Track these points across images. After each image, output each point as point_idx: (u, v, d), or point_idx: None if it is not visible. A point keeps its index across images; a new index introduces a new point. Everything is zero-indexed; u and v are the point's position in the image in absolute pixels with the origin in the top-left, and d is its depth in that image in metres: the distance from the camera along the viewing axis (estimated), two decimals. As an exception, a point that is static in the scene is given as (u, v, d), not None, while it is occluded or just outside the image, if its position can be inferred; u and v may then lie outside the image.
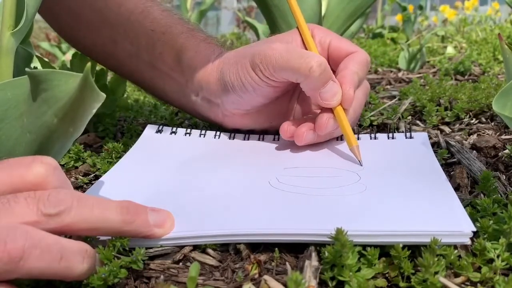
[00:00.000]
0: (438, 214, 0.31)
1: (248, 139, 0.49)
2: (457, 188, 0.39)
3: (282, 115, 0.49)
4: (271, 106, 0.47)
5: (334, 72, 0.44)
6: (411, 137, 0.47)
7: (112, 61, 0.58)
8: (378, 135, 0.48)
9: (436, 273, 0.26)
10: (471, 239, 0.28)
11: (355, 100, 0.43)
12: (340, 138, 0.48)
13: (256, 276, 0.28)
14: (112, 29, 0.54)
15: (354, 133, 0.48)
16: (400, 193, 0.35)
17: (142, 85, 0.59)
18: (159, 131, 0.50)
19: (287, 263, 0.29)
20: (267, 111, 0.48)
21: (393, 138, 0.47)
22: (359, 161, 0.41)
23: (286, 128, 0.45)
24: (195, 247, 0.31)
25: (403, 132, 0.48)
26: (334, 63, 0.46)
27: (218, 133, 0.50)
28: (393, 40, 1.68)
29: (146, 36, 0.52)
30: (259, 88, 0.43)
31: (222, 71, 0.45)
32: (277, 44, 0.43)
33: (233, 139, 0.50)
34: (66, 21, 0.59)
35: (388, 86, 0.87)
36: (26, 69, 0.30)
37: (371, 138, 0.47)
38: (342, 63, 0.44)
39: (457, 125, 0.57)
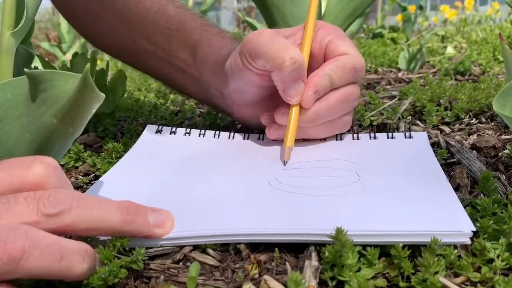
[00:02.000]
0: (438, 214, 0.31)
1: (248, 139, 0.49)
2: (457, 188, 0.39)
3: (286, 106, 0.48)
4: (271, 101, 0.47)
5: None
6: (410, 137, 0.47)
7: (132, 58, 0.61)
8: (377, 134, 0.48)
9: (436, 273, 0.26)
10: (471, 238, 0.28)
11: (324, 102, 0.43)
12: (340, 137, 0.48)
13: (256, 276, 0.28)
14: (131, 27, 0.56)
15: (354, 133, 0.48)
16: (400, 193, 0.35)
17: (162, 81, 0.61)
18: (158, 131, 0.50)
19: (287, 263, 0.29)
20: (270, 104, 0.47)
21: (392, 138, 0.47)
22: (284, 161, 0.42)
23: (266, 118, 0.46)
24: (195, 247, 0.31)
25: (403, 132, 0.48)
26: None
27: (217, 132, 0.50)
28: (393, 40, 1.68)
29: (162, 34, 0.54)
30: (245, 75, 0.44)
31: (227, 62, 0.46)
32: (266, 32, 0.42)
33: (233, 138, 0.50)
34: (86, 22, 0.61)
35: (388, 86, 0.87)
36: (25, 69, 0.30)
37: (370, 138, 0.47)
38: (324, 63, 0.43)
39: (457, 125, 0.57)
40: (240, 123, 0.57)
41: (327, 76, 0.42)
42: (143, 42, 0.56)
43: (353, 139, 0.48)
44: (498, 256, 0.27)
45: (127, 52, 0.59)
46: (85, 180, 0.45)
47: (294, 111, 0.43)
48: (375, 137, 0.47)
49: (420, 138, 0.46)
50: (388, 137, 0.47)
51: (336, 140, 0.48)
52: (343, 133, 0.49)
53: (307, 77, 0.42)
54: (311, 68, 0.44)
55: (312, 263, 0.28)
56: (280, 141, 0.48)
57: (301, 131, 0.45)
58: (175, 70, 0.55)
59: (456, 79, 0.89)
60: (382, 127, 0.57)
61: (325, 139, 0.48)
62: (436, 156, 0.42)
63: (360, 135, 0.48)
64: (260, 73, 0.43)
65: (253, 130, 0.53)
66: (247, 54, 0.42)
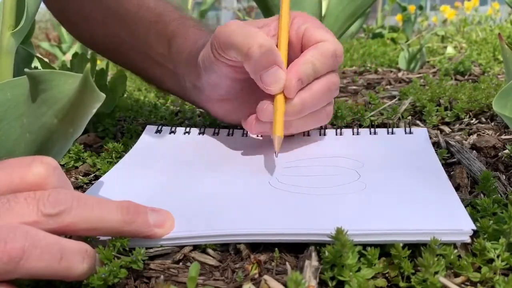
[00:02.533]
0: (438, 213, 0.31)
1: (246, 136, 0.49)
2: (457, 188, 0.39)
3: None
4: (249, 94, 0.46)
5: None
6: (410, 133, 0.47)
7: (115, 53, 0.60)
8: (377, 130, 0.48)
9: (436, 273, 0.26)
10: (471, 238, 0.28)
11: (308, 92, 0.41)
12: (340, 133, 0.48)
13: (256, 276, 0.28)
14: (113, 22, 0.56)
15: (354, 134, 0.48)
16: (400, 191, 0.35)
17: (142, 75, 0.61)
18: (158, 131, 0.51)
19: (287, 263, 0.29)
20: (245, 99, 0.47)
21: (392, 133, 0.47)
22: (275, 152, 0.40)
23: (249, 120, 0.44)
24: (195, 247, 0.31)
25: (403, 128, 0.48)
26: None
27: (217, 130, 0.50)
28: (393, 40, 1.68)
29: (141, 26, 0.53)
30: (218, 68, 0.43)
31: (200, 53, 0.45)
32: (234, 22, 0.42)
33: (232, 135, 0.50)
34: (72, 16, 0.61)
35: (388, 86, 0.87)
36: (25, 69, 0.30)
37: (370, 133, 0.48)
38: (304, 51, 0.42)
39: (457, 125, 0.57)
40: (220, 120, 0.55)
41: (310, 64, 0.41)
42: (123, 36, 0.55)
43: (353, 134, 0.48)
44: (498, 256, 0.27)
45: (111, 46, 0.59)
46: (85, 180, 0.45)
47: (279, 100, 0.41)
48: (375, 133, 0.48)
49: (420, 133, 0.46)
50: (388, 133, 0.47)
51: (336, 135, 0.48)
52: (343, 129, 0.49)
53: (288, 67, 0.41)
54: (289, 59, 0.43)
55: (312, 263, 0.28)
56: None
57: (285, 125, 0.42)
58: (153, 63, 0.55)
59: (456, 79, 0.89)
60: (382, 127, 0.57)
61: (325, 134, 0.48)
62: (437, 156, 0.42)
63: (360, 130, 0.48)
64: (232, 64, 0.42)
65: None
66: (217, 46, 0.41)
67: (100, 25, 0.58)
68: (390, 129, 0.48)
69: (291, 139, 0.46)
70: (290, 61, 0.42)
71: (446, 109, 0.61)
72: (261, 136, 0.49)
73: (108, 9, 0.56)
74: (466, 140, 0.50)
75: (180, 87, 0.53)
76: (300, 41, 0.43)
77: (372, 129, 0.48)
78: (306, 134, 0.48)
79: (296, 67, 0.40)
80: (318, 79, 0.42)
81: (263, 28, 0.44)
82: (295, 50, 0.44)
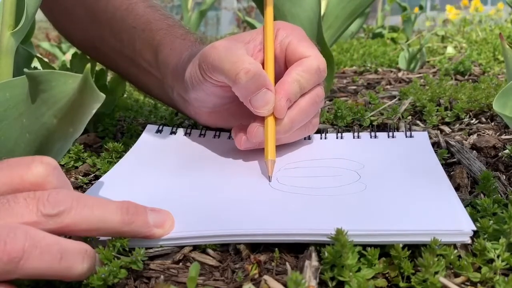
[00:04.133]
0: (438, 213, 0.31)
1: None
2: (457, 188, 0.39)
3: (250, 115, 0.45)
4: (238, 106, 0.45)
5: None
6: (411, 136, 0.47)
7: (100, 56, 0.60)
8: (378, 134, 0.48)
9: (436, 273, 0.26)
10: (471, 238, 0.28)
11: (296, 109, 0.41)
12: (341, 136, 0.48)
13: (256, 276, 0.28)
14: (100, 25, 0.55)
15: (354, 132, 0.48)
16: (400, 192, 0.35)
17: (129, 81, 0.61)
18: (159, 131, 0.50)
19: (287, 263, 0.29)
20: (234, 111, 0.46)
21: (393, 137, 0.47)
22: (269, 176, 0.39)
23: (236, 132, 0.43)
24: (195, 247, 0.31)
25: (403, 131, 0.48)
26: (290, 65, 0.43)
27: (217, 133, 0.50)
28: (393, 40, 1.68)
29: (128, 33, 0.53)
30: (206, 87, 0.42)
31: (186, 69, 0.45)
32: (221, 42, 0.41)
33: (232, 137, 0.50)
34: (60, 16, 0.60)
35: (388, 86, 0.87)
36: (25, 69, 0.30)
37: (371, 137, 0.47)
38: (288, 69, 0.42)
39: (457, 125, 0.57)
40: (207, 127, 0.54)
41: (296, 82, 0.40)
42: (110, 40, 0.55)
43: (354, 138, 0.48)
44: (498, 256, 0.27)
45: (96, 49, 0.59)
46: (85, 180, 0.45)
47: (270, 122, 0.41)
48: (375, 136, 0.47)
49: (421, 137, 0.46)
50: (388, 137, 0.47)
51: (337, 138, 0.48)
52: (344, 132, 0.49)
53: (275, 84, 0.41)
54: (275, 72, 0.43)
55: (312, 263, 0.28)
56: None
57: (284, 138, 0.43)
58: (140, 71, 0.54)
59: (456, 79, 0.89)
60: (382, 127, 0.57)
61: (326, 138, 0.48)
62: (437, 156, 0.42)
63: (360, 134, 0.48)
64: (221, 85, 0.42)
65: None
66: (205, 69, 0.41)
67: (87, 29, 0.58)
68: (390, 133, 0.47)
69: (292, 142, 0.46)
70: (275, 75, 0.42)
71: (446, 109, 0.61)
72: None
73: (95, 15, 0.56)
74: (466, 140, 0.50)
75: (167, 97, 0.53)
76: (284, 54, 0.43)
77: (373, 133, 0.48)
78: (307, 137, 0.48)
79: (283, 87, 0.40)
80: (304, 95, 0.42)
81: (249, 43, 0.44)
82: (280, 63, 0.44)
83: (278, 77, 0.42)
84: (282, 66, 0.43)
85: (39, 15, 0.56)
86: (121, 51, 0.55)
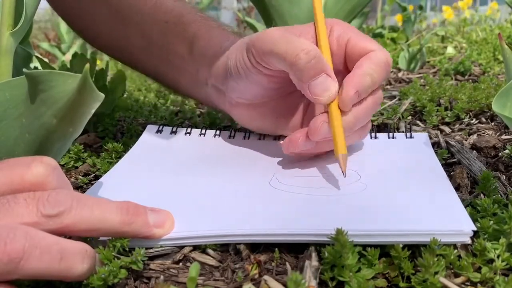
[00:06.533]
0: (438, 213, 0.31)
1: (248, 138, 0.49)
2: (457, 188, 0.39)
3: (290, 113, 0.45)
4: (277, 103, 0.44)
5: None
6: (411, 137, 0.47)
7: (126, 57, 0.58)
8: (378, 134, 0.48)
9: (436, 273, 0.26)
10: (472, 238, 0.28)
11: (362, 105, 0.38)
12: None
13: (256, 276, 0.28)
14: (125, 24, 0.54)
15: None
16: (400, 192, 0.35)
17: (156, 80, 0.59)
18: (159, 131, 0.50)
19: (287, 263, 0.29)
20: (272, 107, 0.45)
21: (393, 137, 0.47)
22: (343, 172, 0.37)
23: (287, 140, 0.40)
24: (195, 247, 0.31)
25: (403, 132, 0.48)
26: (351, 62, 0.40)
27: (218, 132, 0.50)
28: (393, 40, 1.68)
29: (158, 29, 0.51)
30: (251, 74, 0.40)
31: (228, 56, 0.43)
32: (272, 29, 0.39)
33: (233, 138, 0.50)
34: (79, 19, 0.59)
35: (388, 86, 0.87)
36: (24, 69, 0.30)
37: (371, 138, 0.47)
38: (357, 63, 0.39)
39: (457, 125, 0.57)
40: (243, 126, 0.52)
41: (369, 76, 0.37)
42: (137, 39, 0.53)
43: None
44: (498, 256, 0.27)
45: (121, 50, 0.57)
46: (85, 180, 0.44)
47: (336, 115, 0.37)
48: (376, 137, 0.47)
49: (421, 138, 0.46)
50: (389, 137, 0.47)
51: None
52: None
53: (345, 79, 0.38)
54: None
55: (312, 263, 0.28)
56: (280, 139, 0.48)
57: (324, 143, 0.40)
58: (170, 67, 0.53)
59: (456, 79, 0.89)
60: (382, 127, 0.57)
61: None
62: (437, 156, 0.42)
63: None
64: (269, 73, 0.40)
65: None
66: (256, 54, 0.39)
67: (111, 29, 0.56)
68: (391, 134, 0.47)
69: None
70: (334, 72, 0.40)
71: (446, 109, 0.61)
72: (279, 138, 0.47)
73: (119, 13, 0.54)
74: (466, 140, 0.50)
75: (202, 91, 0.51)
76: (343, 50, 0.41)
77: (373, 134, 0.48)
78: None
79: (355, 79, 0.37)
80: (370, 94, 0.39)
81: (301, 36, 0.41)
82: (338, 60, 0.41)
83: (336, 74, 0.39)
84: (340, 65, 0.41)
85: (39, 15, 0.56)
86: (148, 49, 0.53)
